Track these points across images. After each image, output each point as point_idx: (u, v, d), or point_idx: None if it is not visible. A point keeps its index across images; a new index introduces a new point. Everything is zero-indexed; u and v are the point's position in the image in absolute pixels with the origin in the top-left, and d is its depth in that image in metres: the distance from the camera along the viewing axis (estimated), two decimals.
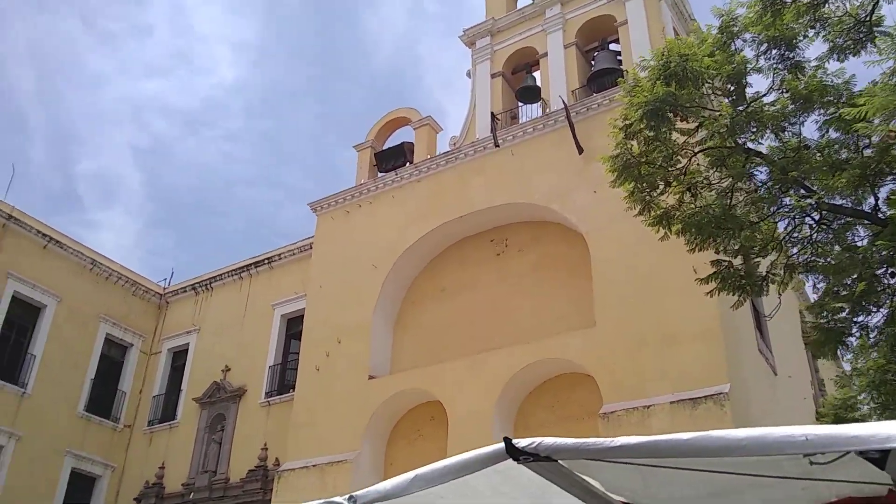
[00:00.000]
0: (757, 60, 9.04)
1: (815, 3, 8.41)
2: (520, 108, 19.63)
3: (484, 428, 15.07)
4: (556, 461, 3.21)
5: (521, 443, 3.17)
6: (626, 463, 3.16)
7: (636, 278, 14.71)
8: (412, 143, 20.49)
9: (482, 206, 17.69)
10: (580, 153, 16.31)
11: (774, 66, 8.86)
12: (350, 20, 63.77)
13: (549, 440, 3.15)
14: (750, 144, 9.19)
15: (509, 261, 17.63)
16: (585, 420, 14.59)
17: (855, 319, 9.12)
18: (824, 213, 8.88)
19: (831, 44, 8.52)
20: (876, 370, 9.88)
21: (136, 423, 23.96)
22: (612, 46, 18.92)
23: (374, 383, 17.45)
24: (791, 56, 8.83)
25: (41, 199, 56.92)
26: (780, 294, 9.96)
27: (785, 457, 2.99)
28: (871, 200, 8.80)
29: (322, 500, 3.73)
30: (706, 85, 8.97)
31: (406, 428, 17.32)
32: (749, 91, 9.20)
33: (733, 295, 9.50)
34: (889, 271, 8.60)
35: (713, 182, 9.49)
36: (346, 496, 3.64)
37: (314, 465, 16.95)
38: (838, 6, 8.46)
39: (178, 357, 24.61)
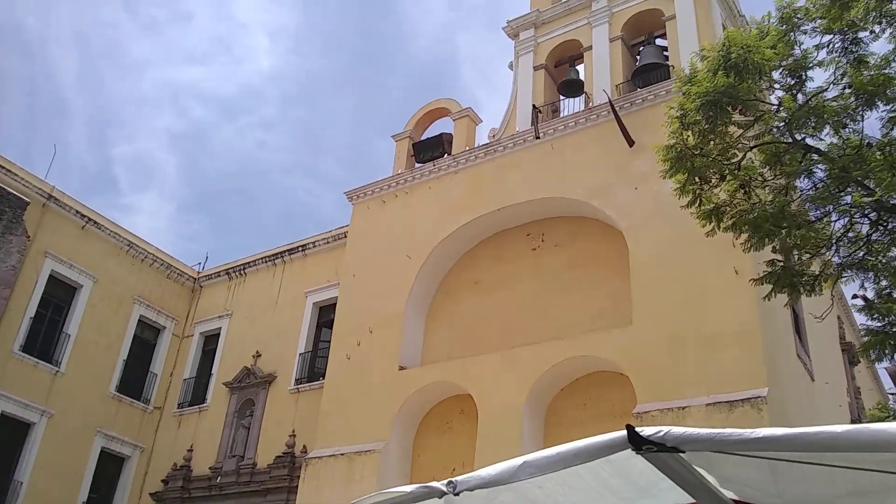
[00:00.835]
0: (817, 53, 8.78)
1: None
2: (561, 102, 19.40)
3: (514, 424, 14.94)
4: (681, 452, 3.01)
5: (645, 431, 2.98)
6: (761, 457, 2.94)
7: (675, 277, 14.44)
8: (451, 134, 20.34)
9: (520, 199, 17.47)
10: (630, 145, 15.96)
11: (837, 59, 8.57)
12: (389, 10, 63.87)
13: (678, 429, 2.96)
14: (808, 141, 8.92)
15: (545, 256, 17.42)
16: (618, 419, 14.32)
17: None
18: (882, 213, 8.60)
19: None
20: None
21: (165, 405, 24.16)
22: (659, 41, 18.65)
23: (404, 374, 17.37)
24: (855, 50, 8.54)
25: (78, 182, 57.78)
26: (832, 295, 9.68)
27: None
28: None
29: (418, 485, 3.56)
30: (765, 78, 8.71)
31: (435, 420, 17.20)
32: (808, 86, 8.94)
33: (786, 294, 9.23)
34: None
35: (767, 179, 9.23)
36: (446, 481, 3.46)
37: (342, 454, 16.91)
38: None
39: (210, 341, 24.77)
